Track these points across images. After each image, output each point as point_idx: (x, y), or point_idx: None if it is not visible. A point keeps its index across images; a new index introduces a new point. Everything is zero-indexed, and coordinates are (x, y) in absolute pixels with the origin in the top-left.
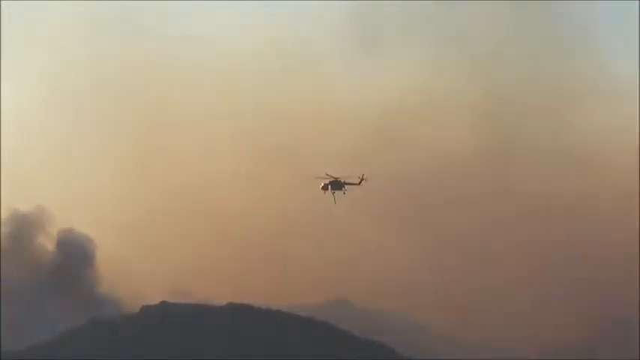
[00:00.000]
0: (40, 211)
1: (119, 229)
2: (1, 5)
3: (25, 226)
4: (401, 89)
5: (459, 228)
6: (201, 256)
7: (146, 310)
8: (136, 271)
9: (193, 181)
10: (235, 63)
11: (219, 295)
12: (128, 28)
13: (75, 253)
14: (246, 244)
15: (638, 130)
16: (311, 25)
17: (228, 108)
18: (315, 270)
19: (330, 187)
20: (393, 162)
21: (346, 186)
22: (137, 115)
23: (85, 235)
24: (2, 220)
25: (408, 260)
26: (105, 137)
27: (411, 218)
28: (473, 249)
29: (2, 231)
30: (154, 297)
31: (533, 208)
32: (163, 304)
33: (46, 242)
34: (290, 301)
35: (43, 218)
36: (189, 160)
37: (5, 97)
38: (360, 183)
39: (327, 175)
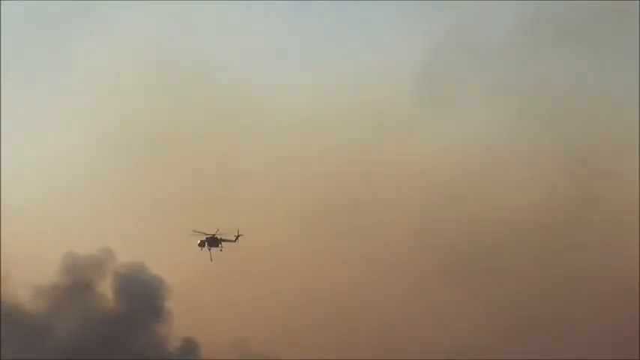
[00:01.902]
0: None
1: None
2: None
3: (86, 272)
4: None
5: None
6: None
7: None
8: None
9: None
10: (302, 117)
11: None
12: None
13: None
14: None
15: None
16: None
17: (298, 162)
18: None
19: (206, 243)
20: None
21: (223, 243)
22: (205, 163)
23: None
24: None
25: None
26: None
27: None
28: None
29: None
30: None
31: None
32: None
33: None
34: None
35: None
36: (257, 211)
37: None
38: (235, 240)
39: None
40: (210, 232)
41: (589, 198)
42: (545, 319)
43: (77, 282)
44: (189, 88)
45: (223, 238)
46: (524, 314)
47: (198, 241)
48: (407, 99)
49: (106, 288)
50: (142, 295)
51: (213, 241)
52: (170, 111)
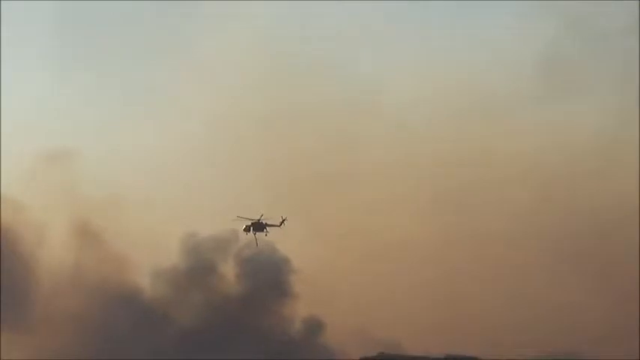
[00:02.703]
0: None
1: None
2: None
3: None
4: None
5: None
6: (416, 304)
7: None
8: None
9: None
10: (416, 108)
11: (435, 346)
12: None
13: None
14: (460, 293)
15: None
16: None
17: (408, 153)
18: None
19: (251, 229)
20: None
21: (267, 227)
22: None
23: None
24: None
25: None
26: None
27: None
28: None
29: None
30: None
31: None
32: (381, 355)
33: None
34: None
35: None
36: (375, 203)
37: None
38: (280, 225)
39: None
40: (256, 217)
41: None
42: None
43: (199, 264)
44: (317, 79)
45: (268, 223)
46: None
47: (244, 226)
48: (527, 90)
49: (228, 269)
50: (268, 275)
51: (258, 226)
52: (292, 100)
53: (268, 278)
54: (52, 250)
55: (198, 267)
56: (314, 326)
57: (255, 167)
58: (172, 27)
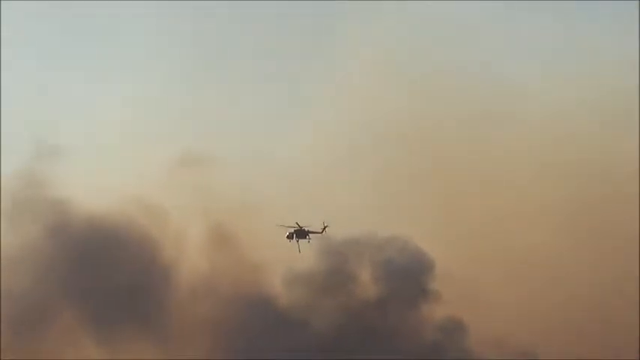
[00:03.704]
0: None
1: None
2: None
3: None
4: None
5: None
6: (529, 304)
7: None
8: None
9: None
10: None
11: (546, 348)
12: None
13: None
14: (574, 295)
15: None
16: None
17: (551, 161)
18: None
19: (294, 236)
20: None
21: (310, 235)
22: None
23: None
24: None
25: None
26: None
27: None
28: None
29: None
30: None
31: None
32: None
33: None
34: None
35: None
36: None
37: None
38: (322, 232)
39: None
40: (298, 224)
41: None
42: None
43: (335, 267)
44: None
45: (310, 230)
46: None
47: (287, 234)
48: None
49: (364, 270)
50: (406, 274)
51: (300, 233)
52: (432, 106)
53: (407, 280)
54: (189, 256)
55: (334, 271)
56: (455, 329)
57: (396, 172)
58: (316, 29)
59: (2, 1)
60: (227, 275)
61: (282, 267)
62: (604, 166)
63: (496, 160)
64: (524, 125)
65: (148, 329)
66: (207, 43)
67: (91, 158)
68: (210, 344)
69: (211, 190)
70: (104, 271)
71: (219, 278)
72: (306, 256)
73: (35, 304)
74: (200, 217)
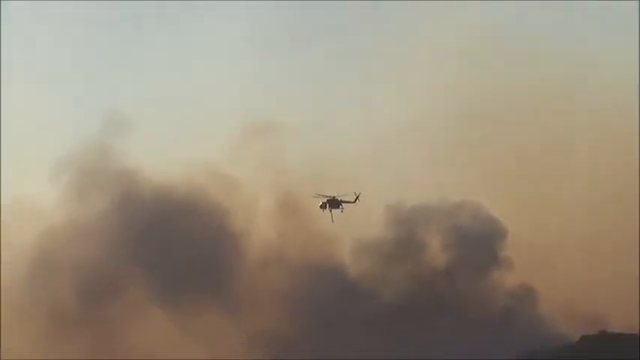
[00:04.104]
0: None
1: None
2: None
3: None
4: None
5: None
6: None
7: (585, 340)
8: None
9: None
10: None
11: (617, 315)
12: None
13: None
14: None
15: None
16: None
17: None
18: None
19: (327, 205)
20: None
21: (343, 204)
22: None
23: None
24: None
25: None
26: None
27: None
28: None
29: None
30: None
31: None
32: (602, 334)
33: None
34: None
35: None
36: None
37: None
38: (355, 201)
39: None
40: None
41: None
42: None
43: (405, 235)
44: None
45: (343, 199)
46: None
47: (320, 203)
48: None
49: (434, 239)
50: (479, 240)
51: (333, 203)
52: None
53: (479, 247)
54: (259, 225)
55: (404, 238)
56: (525, 296)
57: (468, 147)
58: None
59: None
60: (296, 244)
61: (350, 236)
62: None
63: (568, 128)
64: (595, 95)
65: (218, 299)
66: (284, 15)
67: (160, 129)
68: (279, 313)
69: (281, 160)
70: (174, 242)
71: (289, 247)
72: (376, 224)
73: (105, 276)
74: (269, 186)
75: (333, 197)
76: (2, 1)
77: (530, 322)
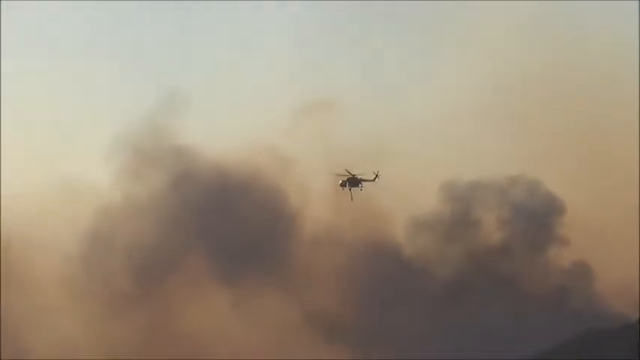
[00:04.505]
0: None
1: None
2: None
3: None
4: None
5: None
6: None
7: None
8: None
9: None
10: None
11: None
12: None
13: None
14: None
15: None
16: None
17: None
18: None
19: (347, 184)
20: None
21: (362, 183)
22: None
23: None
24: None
25: None
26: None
27: None
28: None
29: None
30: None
31: None
32: None
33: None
34: None
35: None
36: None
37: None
38: (374, 179)
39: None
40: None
41: None
42: None
43: (460, 211)
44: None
45: (363, 178)
46: None
47: (340, 182)
48: None
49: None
50: (536, 216)
51: (353, 182)
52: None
53: (536, 223)
54: (314, 204)
55: (459, 215)
56: (582, 274)
57: (523, 123)
58: None
59: None
60: (351, 224)
61: (405, 214)
62: None
63: (625, 106)
64: None
65: (273, 277)
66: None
67: (216, 108)
68: (334, 292)
69: (336, 138)
70: (230, 220)
71: (344, 227)
72: (431, 201)
73: (163, 254)
74: (325, 165)
75: (353, 175)
76: None
77: (586, 300)
